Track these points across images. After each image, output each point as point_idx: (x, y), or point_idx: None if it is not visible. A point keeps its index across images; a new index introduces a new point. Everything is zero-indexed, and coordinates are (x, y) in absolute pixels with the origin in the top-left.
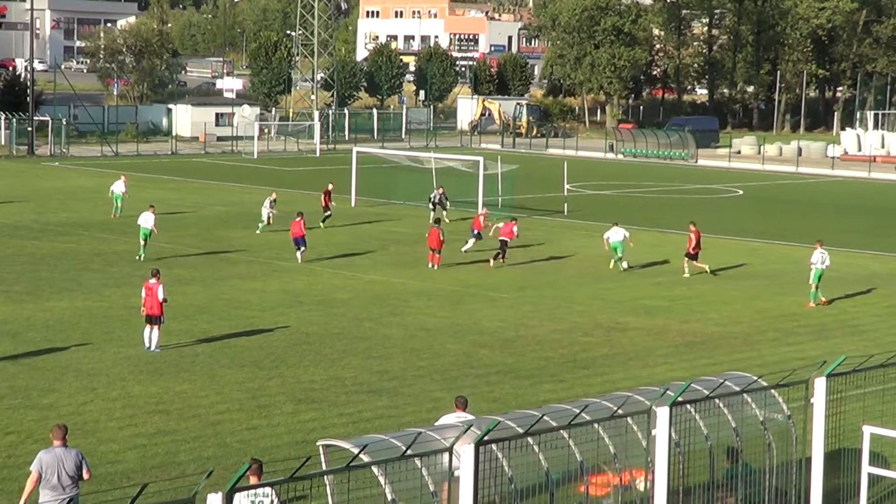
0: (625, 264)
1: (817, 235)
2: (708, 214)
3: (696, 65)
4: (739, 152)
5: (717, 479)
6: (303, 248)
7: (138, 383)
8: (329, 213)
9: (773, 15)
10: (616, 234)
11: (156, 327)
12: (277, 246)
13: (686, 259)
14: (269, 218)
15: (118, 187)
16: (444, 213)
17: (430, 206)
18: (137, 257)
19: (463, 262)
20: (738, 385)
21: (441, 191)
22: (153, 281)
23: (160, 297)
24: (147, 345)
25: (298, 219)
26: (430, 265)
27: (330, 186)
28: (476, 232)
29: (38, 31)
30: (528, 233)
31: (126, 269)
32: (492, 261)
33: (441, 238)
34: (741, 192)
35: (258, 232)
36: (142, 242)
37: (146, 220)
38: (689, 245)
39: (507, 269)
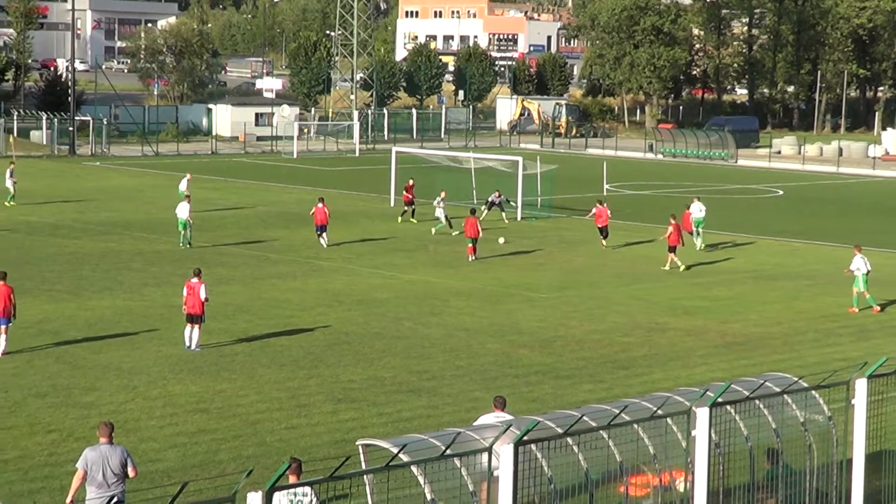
0: (699, 242)
1: (858, 236)
2: (748, 214)
3: (735, 64)
4: (780, 152)
5: (757, 480)
6: (324, 235)
7: (179, 382)
8: (413, 206)
9: (813, 14)
10: (698, 211)
11: (196, 326)
12: (317, 245)
13: (669, 253)
14: (445, 218)
15: (183, 185)
16: (503, 214)
17: (486, 208)
18: (183, 246)
19: (501, 256)
20: (779, 386)
21: (498, 194)
22: (195, 280)
23: (202, 296)
24: (188, 344)
25: (321, 205)
26: (469, 258)
27: (411, 181)
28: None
29: (79, 32)
30: (568, 233)
31: (167, 268)
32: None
33: (478, 228)
34: (781, 192)
35: (434, 233)
36: (181, 231)
37: (182, 211)
38: (670, 238)
39: (546, 269)
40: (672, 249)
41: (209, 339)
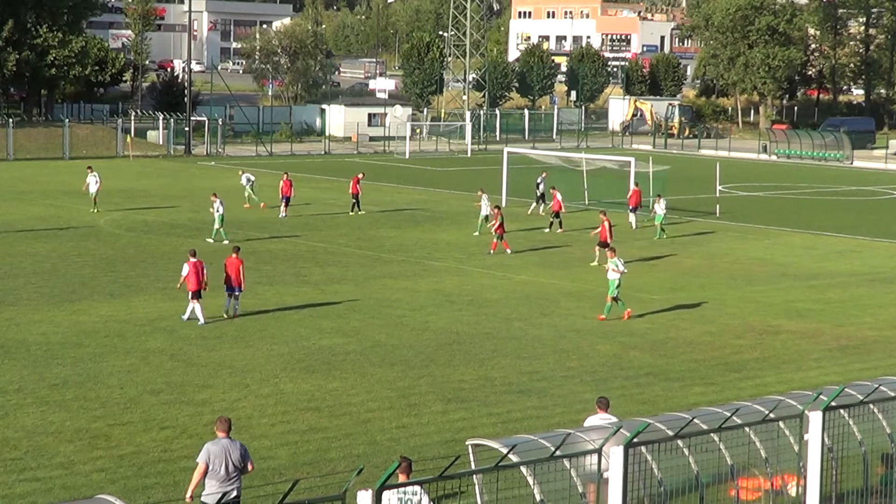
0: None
1: None
2: (863, 217)
3: (852, 65)
4: None
5: (871, 485)
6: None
7: (290, 380)
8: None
9: None
10: (660, 209)
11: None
12: (428, 246)
13: (597, 247)
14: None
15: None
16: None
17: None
18: (225, 242)
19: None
20: (894, 390)
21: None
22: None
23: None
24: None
25: (287, 178)
26: (489, 252)
27: (361, 174)
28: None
29: (195, 33)
30: (679, 234)
31: (280, 267)
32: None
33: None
34: None
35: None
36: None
37: (217, 209)
38: (601, 234)
39: (658, 270)
40: (603, 245)
41: (321, 339)
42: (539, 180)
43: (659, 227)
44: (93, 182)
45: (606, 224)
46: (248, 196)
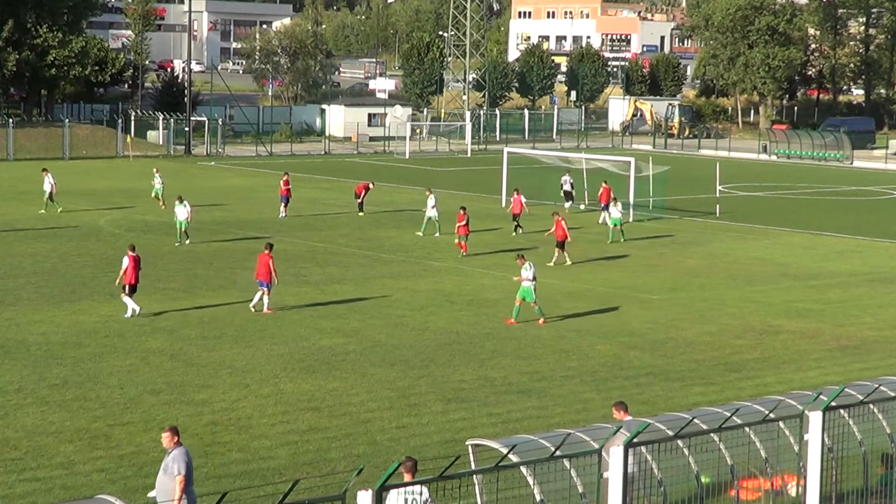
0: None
1: None
2: (863, 217)
3: (852, 65)
4: None
5: (871, 485)
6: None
7: (290, 380)
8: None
9: None
10: (616, 212)
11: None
12: (429, 246)
13: (556, 248)
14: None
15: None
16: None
17: (566, 201)
18: (177, 244)
19: (612, 258)
20: (894, 390)
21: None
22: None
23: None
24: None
25: (286, 177)
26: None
27: (371, 185)
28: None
29: (195, 33)
30: (679, 234)
31: (280, 267)
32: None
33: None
34: None
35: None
36: (179, 229)
37: (181, 213)
38: (556, 233)
39: (657, 270)
40: (560, 245)
41: (321, 339)
42: (572, 180)
43: (615, 230)
44: (47, 183)
45: (563, 224)
46: (157, 195)
